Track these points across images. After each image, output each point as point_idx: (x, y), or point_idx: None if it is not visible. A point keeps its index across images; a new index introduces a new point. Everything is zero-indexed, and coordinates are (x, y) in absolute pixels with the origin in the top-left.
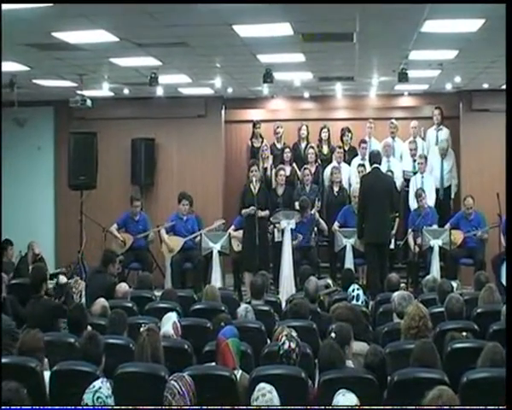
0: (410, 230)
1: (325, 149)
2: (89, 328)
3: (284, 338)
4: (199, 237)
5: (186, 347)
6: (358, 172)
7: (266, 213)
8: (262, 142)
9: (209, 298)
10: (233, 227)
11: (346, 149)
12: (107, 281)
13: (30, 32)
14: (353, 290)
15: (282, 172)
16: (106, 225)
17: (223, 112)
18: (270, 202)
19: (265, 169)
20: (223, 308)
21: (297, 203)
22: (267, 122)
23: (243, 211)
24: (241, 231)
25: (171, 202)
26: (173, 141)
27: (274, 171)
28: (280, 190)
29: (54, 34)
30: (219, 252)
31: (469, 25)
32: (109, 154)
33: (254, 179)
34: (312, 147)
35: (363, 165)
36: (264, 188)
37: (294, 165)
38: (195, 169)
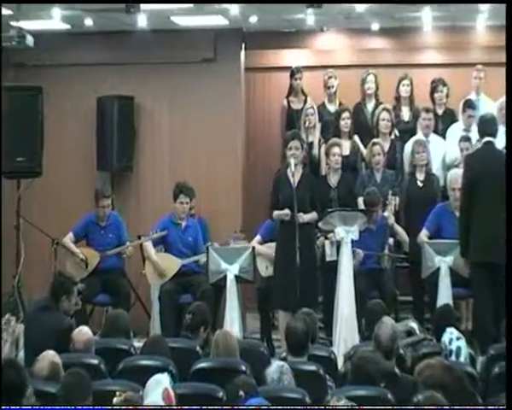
0: None
1: (406, 113)
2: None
3: None
4: (204, 257)
5: None
6: (461, 151)
7: (312, 215)
8: (305, 101)
9: (221, 352)
10: (259, 238)
11: (440, 112)
12: (59, 323)
13: None
14: (451, 341)
15: (336, 150)
16: (57, 234)
17: (242, 54)
18: (318, 197)
19: (311, 145)
20: (243, 368)
21: (361, 199)
22: (313, 70)
23: (275, 213)
24: (272, 245)
25: (159, 198)
26: (164, 101)
27: (324, 148)
28: (334, 179)
29: None
30: (237, 278)
31: None
32: (62, 121)
33: (293, 162)
34: (386, 109)
35: (467, 138)
36: (308, 175)
37: (357, 138)
38: (199, 146)
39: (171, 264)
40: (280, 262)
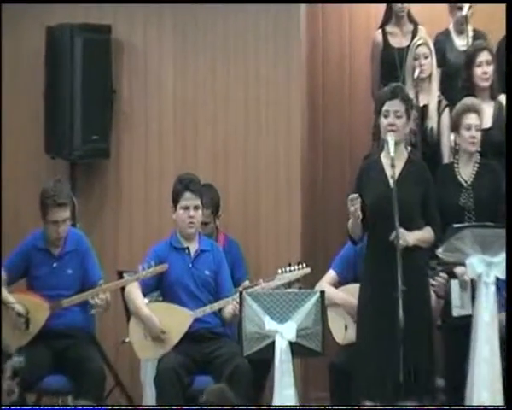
0: None
1: None
2: None
3: None
4: (233, 305)
5: None
6: None
7: (425, 234)
8: (414, 34)
9: None
10: (333, 276)
11: None
12: None
13: None
14: None
15: (472, 120)
16: None
17: None
18: (436, 202)
19: (424, 110)
20: None
21: None
22: None
23: (351, 223)
24: (354, 288)
25: (156, 206)
26: (166, 38)
27: (449, 115)
28: (467, 171)
29: None
30: (294, 347)
31: None
32: None
33: (392, 140)
34: None
35: None
36: (419, 164)
37: (503, 98)
38: (226, 118)
39: (176, 319)
40: (368, 319)
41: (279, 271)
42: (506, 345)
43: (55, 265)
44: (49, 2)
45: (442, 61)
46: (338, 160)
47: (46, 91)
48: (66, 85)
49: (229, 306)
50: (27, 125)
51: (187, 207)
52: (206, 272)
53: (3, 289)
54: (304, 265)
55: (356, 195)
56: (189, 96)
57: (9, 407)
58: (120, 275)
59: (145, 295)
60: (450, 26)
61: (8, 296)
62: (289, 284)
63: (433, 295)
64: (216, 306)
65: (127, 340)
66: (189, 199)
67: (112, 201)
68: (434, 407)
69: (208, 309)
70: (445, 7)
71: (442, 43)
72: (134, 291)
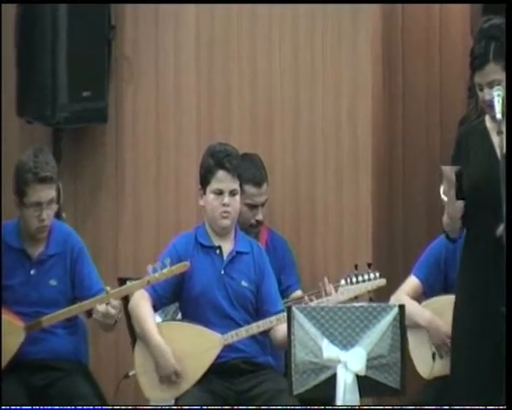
0: None
1: None
2: None
3: None
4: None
5: None
6: None
7: None
8: None
9: None
10: (415, 283)
11: None
12: None
13: None
14: None
15: None
16: None
17: None
18: None
19: None
20: None
21: None
22: None
23: (450, 212)
24: (445, 301)
25: (172, 188)
26: None
27: None
28: None
29: None
30: (363, 382)
31: None
32: None
33: (499, 98)
34: None
35: None
36: None
37: None
38: (273, 65)
39: (200, 346)
40: (467, 341)
41: (342, 281)
42: (506, 345)
43: (32, 272)
44: (49, 2)
45: None
46: (424, 120)
47: (18, 32)
48: (47, 22)
49: (282, 325)
50: None
51: (220, 192)
52: (244, 283)
53: None
54: (377, 274)
55: (455, 167)
56: (217, 33)
57: (9, 407)
58: (121, 282)
59: (157, 309)
60: None
61: None
62: (356, 297)
63: None
64: (255, 328)
65: (132, 373)
66: (223, 180)
67: (111, 182)
68: (435, 407)
69: (244, 333)
70: None
71: None
72: (142, 305)
